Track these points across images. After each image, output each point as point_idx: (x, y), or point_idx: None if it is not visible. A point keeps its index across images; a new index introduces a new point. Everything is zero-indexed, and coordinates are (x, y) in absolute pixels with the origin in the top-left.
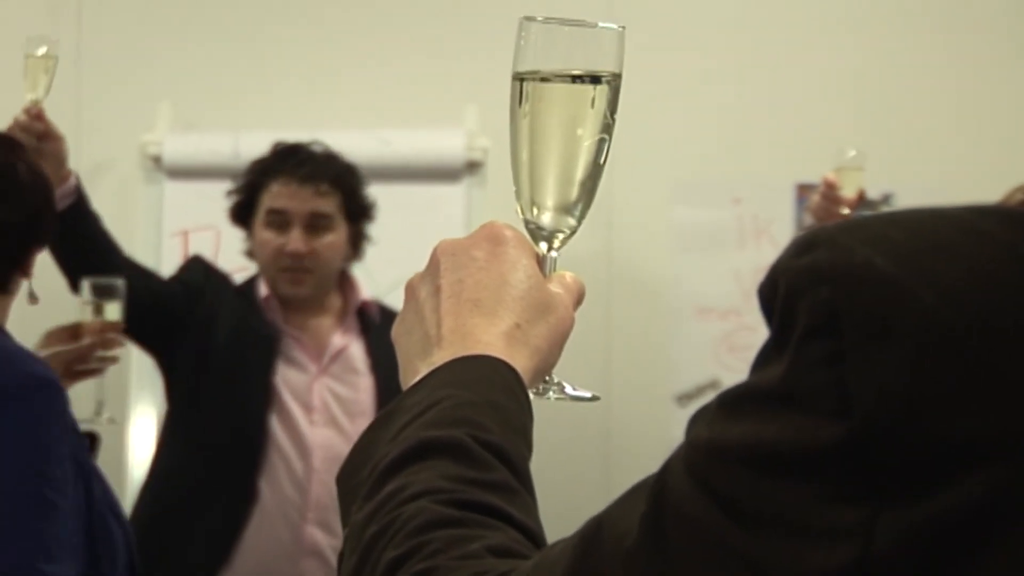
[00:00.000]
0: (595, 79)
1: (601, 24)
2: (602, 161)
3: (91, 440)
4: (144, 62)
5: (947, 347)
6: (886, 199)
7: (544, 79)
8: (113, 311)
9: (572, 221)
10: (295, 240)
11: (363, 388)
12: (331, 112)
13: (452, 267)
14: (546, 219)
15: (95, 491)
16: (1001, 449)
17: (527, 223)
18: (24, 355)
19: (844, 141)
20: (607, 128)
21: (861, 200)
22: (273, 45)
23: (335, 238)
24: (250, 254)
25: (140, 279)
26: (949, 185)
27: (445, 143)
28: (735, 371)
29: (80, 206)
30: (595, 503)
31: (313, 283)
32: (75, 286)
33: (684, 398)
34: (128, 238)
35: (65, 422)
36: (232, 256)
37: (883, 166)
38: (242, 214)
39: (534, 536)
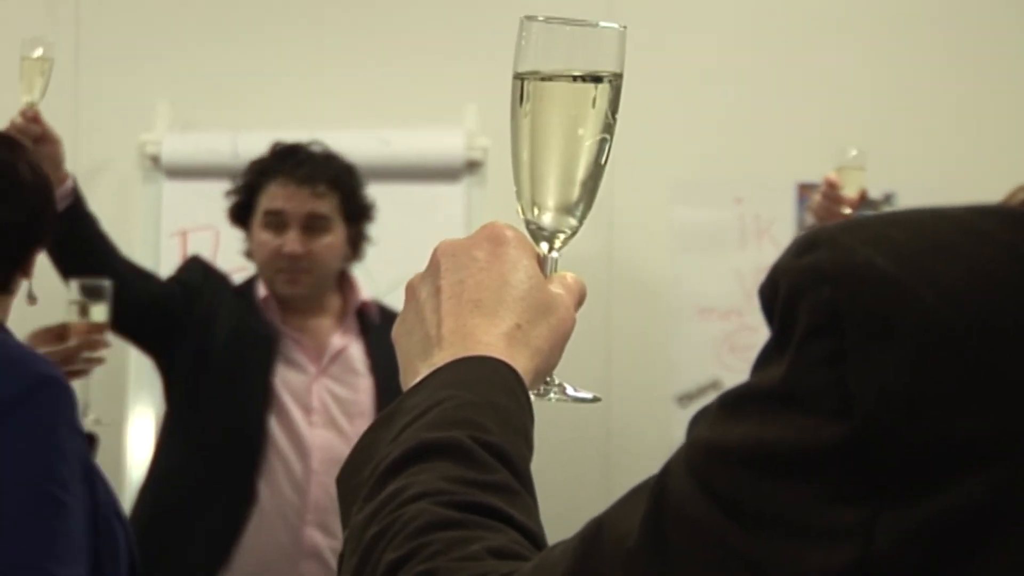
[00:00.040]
0: (596, 79)
1: (602, 23)
2: (603, 161)
3: (89, 441)
4: (142, 61)
5: (948, 347)
6: (888, 199)
7: (545, 79)
8: (99, 312)
9: (573, 221)
10: (292, 241)
11: (362, 389)
12: (330, 112)
13: (453, 268)
14: (547, 219)
15: (99, 492)
16: (1001, 449)
17: (528, 223)
18: (30, 355)
19: (845, 140)
20: (608, 128)
21: (863, 200)
22: (272, 44)
23: (333, 239)
24: (249, 254)
25: (138, 280)
26: (951, 185)
27: (445, 143)
28: (736, 371)
29: (77, 208)
30: (595, 504)
31: (310, 284)
32: None
33: (685, 398)
34: (126, 238)
35: (72, 422)
36: (231, 256)
37: (885, 166)
38: (241, 214)
39: (535, 537)
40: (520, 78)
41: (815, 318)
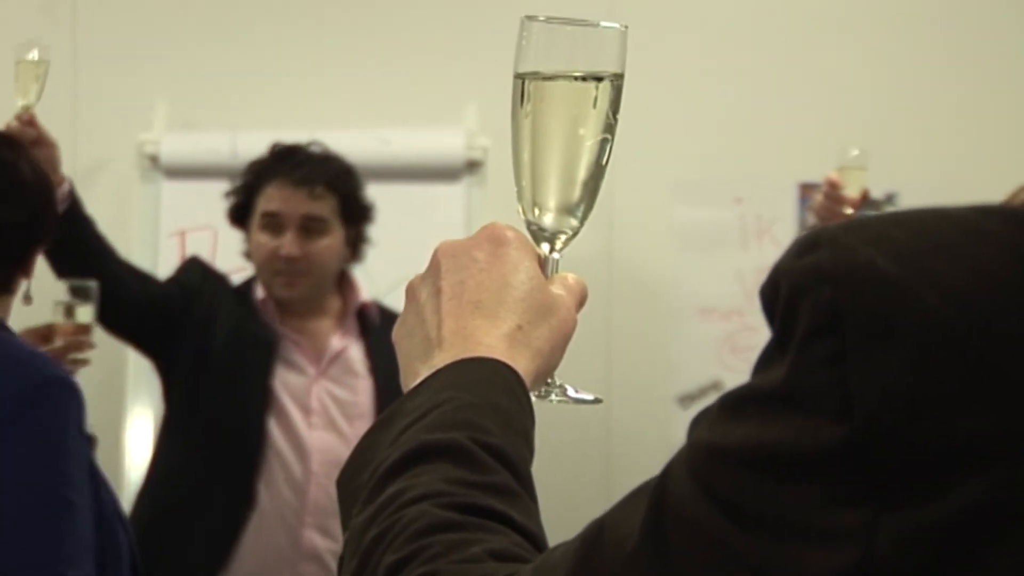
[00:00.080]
0: (597, 79)
1: (603, 23)
2: (604, 161)
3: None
4: (141, 61)
5: (949, 347)
6: (890, 199)
7: (546, 79)
8: (85, 313)
9: (574, 222)
10: (288, 244)
11: (362, 390)
12: (330, 111)
13: (453, 268)
14: (548, 220)
15: (102, 492)
16: (1003, 449)
17: (529, 224)
18: (39, 356)
19: (847, 140)
20: (609, 128)
21: (864, 200)
22: (271, 44)
23: (330, 241)
24: (248, 255)
25: (136, 282)
26: (953, 185)
27: (445, 142)
28: (737, 372)
29: (74, 211)
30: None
31: (307, 287)
32: None
33: (686, 399)
34: (125, 238)
35: (80, 422)
36: (230, 257)
37: (886, 165)
38: (239, 215)
39: (535, 539)
40: (521, 78)
41: (816, 318)
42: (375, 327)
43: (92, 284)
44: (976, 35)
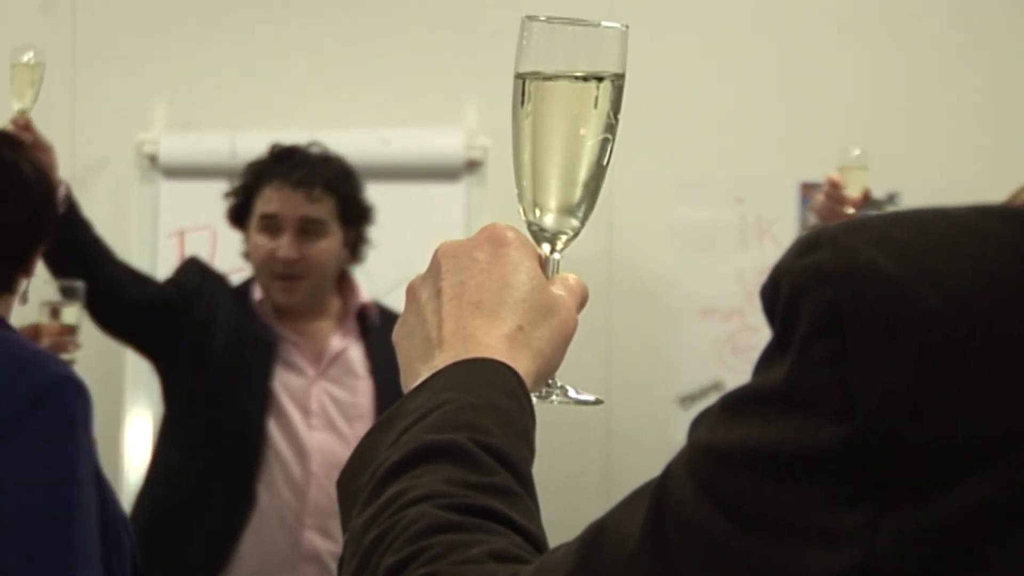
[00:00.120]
0: (598, 79)
1: (604, 23)
2: (605, 162)
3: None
4: (140, 60)
5: (950, 347)
6: (891, 198)
7: (547, 79)
8: (71, 314)
9: (575, 222)
10: (285, 246)
11: (362, 392)
12: (329, 111)
13: (453, 269)
14: (549, 220)
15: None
16: (1005, 450)
17: (529, 225)
18: (47, 357)
19: (848, 140)
20: (610, 128)
21: (866, 200)
22: (271, 43)
23: (328, 244)
24: (247, 255)
25: (134, 284)
26: (954, 184)
27: (444, 142)
28: (738, 372)
29: (71, 214)
30: (596, 506)
31: (305, 291)
32: None
33: (686, 400)
34: (124, 238)
35: (87, 423)
36: (229, 257)
37: (888, 165)
38: (239, 216)
39: (536, 540)
40: (522, 78)
41: (817, 318)
42: (375, 328)
43: (79, 284)
44: (977, 35)
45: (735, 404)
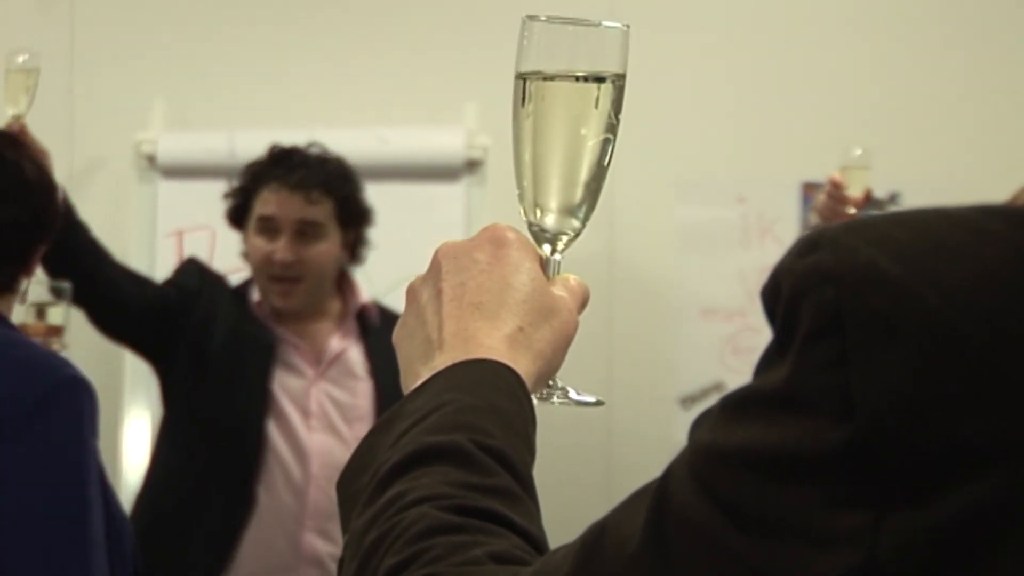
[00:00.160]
0: (599, 79)
1: (605, 23)
2: (606, 162)
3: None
4: (138, 59)
5: (951, 348)
6: (893, 198)
7: (548, 79)
8: (56, 315)
9: (576, 223)
10: (282, 249)
11: (362, 393)
12: (328, 110)
13: (454, 270)
14: (549, 221)
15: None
16: (1006, 451)
17: (530, 225)
18: (56, 358)
19: (850, 139)
20: (611, 128)
21: (868, 199)
22: (269, 42)
23: (326, 246)
24: (246, 255)
25: (133, 286)
26: (957, 184)
27: (444, 141)
28: (740, 373)
29: (68, 218)
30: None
31: (303, 294)
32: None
33: (688, 401)
34: (122, 238)
35: (95, 423)
36: (228, 257)
37: (890, 165)
38: (237, 217)
39: (536, 542)
40: (522, 78)
41: (818, 319)
42: (375, 328)
43: (66, 285)
44: (980, 34)
45: (736, 405)
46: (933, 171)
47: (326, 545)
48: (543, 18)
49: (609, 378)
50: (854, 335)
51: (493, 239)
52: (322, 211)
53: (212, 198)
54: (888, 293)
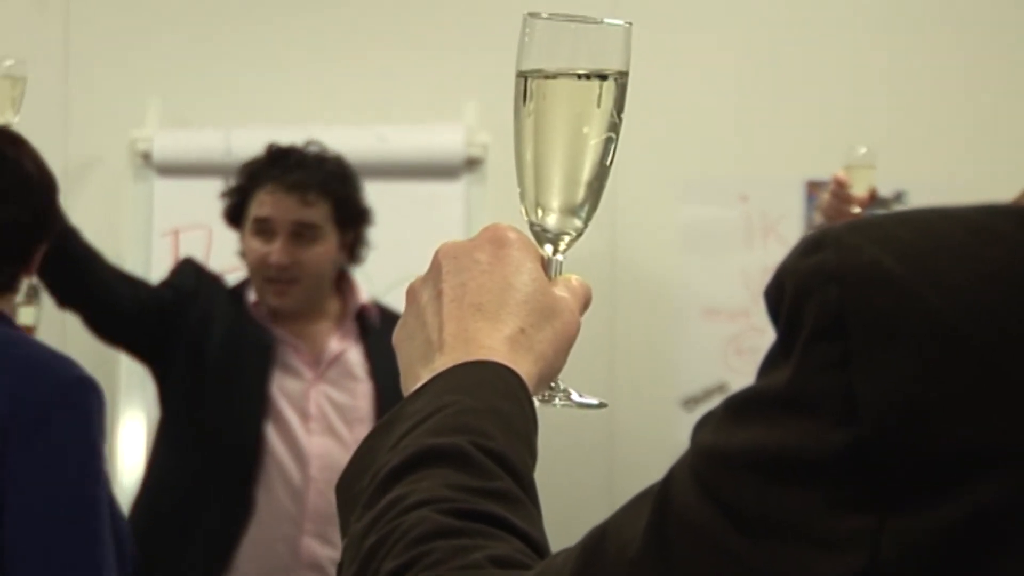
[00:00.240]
0: (601, 77)
1: (607, 20)
2: (608, 161)
3: None
4: (133, 56)
5: (953, 349)
6: (898, 197)
7: (549, 77)
8: (28, 315)
9: (578, 223)
10: (278, 252)
11: (361, 394)
12: (326, 108)
13: (454, 270)
14: (551, 221)
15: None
16: (1010, 454)
17: (532, 225)
18: (63, 358)
19: (855, 138)
20: (614, 127)
21: (872, 199)
22: (266, 39)
23: (323, 248)
24: (243, 255)
25: (128, 289)
26: (962, 183)
27: (444, 139)
28: (743, 374)
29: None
30: (598, 509)
31: (298, 295)
32: (61, 303)
33: (690, 402)
34: (117, 237)
35: (103, 424)
36: (224, 256)
37: (895, 164)
38: (234, 216)
39: (537, 546)
40: (523, 76)
41: (821, 320)
42: (375, 329)
43: (37, 285)
44: (985, 33)
45: (739, 407)
46: (938, 170)
47: (325, 549)
48: (544, 15)
49: (611, 379)
50: (857, 336)
51: (494, 239)
52: (319, 212)
53: (208, 197)
54: (891, 293)
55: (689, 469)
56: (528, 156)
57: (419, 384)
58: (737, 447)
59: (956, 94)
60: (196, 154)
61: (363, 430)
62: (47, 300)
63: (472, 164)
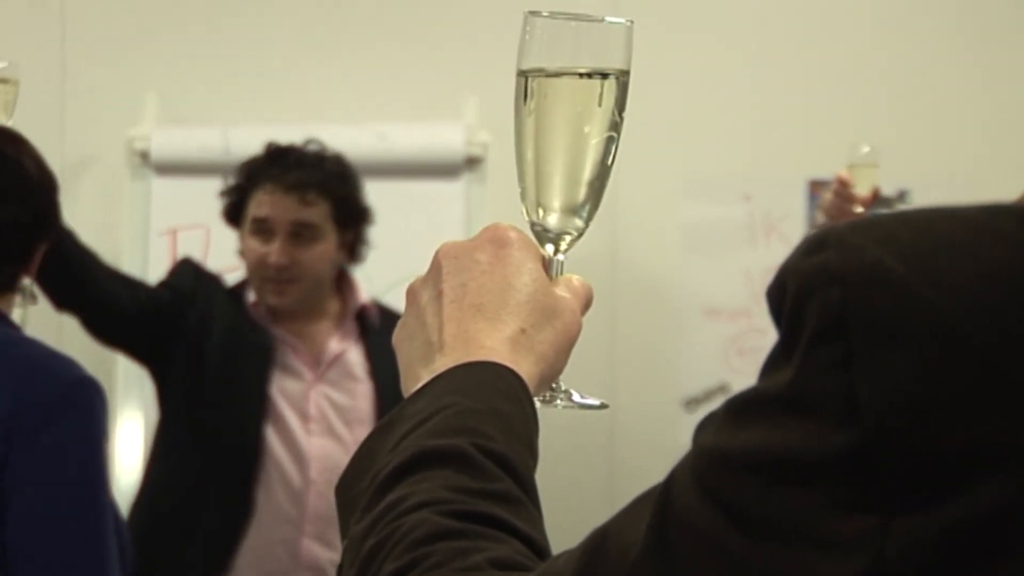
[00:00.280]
0: (603, 75)
1: (609, 18)
2: (610, 161)
3: None
4: (130, 53)
5: (956, 350)
6: (902, 196)
7: (550, 75)
8: (13, 316)
9: (579, 223)
10: (276, 252)
11: (361, 395)
12: (325, 106)
13: (454, 271)
14: (552, 221)
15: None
16: (1013, 454)
17: (533, 225)
18: (65, 359)
19: (858, 137)
20: (615, 126)
21: (876, 198)
22: (264, 36)
23: (323, 248)
24: (243, 254)
25: (125, 290)
26: (966, 182)
27: (444, 138)
28: (745, 375)
29: None
30: (599, 511)
31: (297, 294)
32: (59, 305)
33: (692, 403)
34: (114, 237)
35: (106, 425)
36: (222, 255)
37: (898, 163)
38: (233, 215)
39: (538, 548)
40: (524, 75)
41: (823, 320)
42: (375, 329)
43: (27, 283)
44: (989, 32)
45: (740, 408)
46: (942, 169)
47: (325, 551)
48: (545, 14)
49: (612, 379)
50: (859, 336)
51: (495, 239)
52: (318, 212)
53: (207, 196)
54: (893, 293)
55: (691, 471)
56: (529, 155)
57: (419, 385)
58: (739, 448)
59: (959, 93)
60: (194, 153)
61: (363, 431)
62: (42, 301)
63: (472, 163)
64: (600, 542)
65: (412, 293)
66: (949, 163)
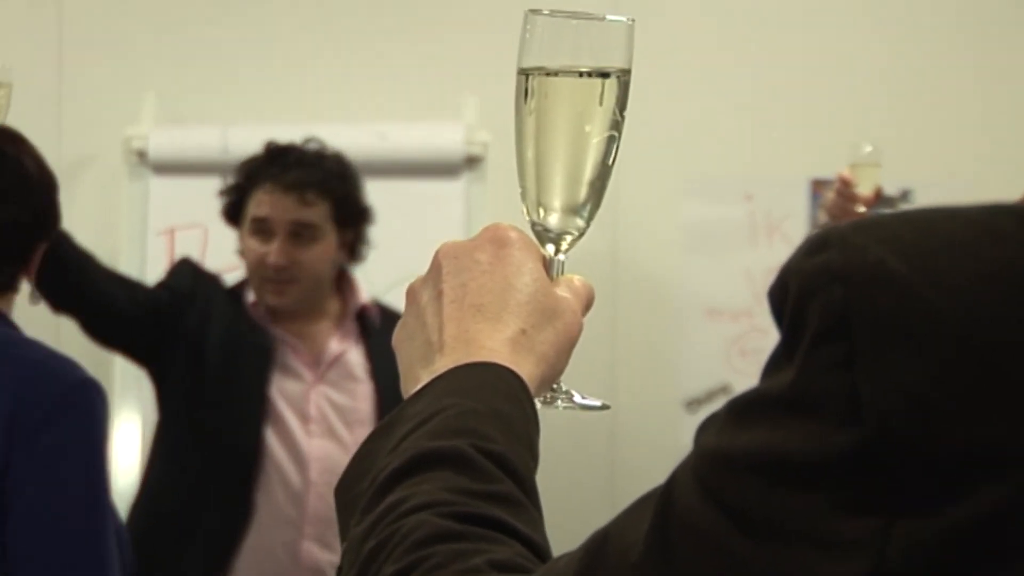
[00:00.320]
0: (603, 74)
1: (609, 17)
2: (611, 160)
3: None
4: (128, 52)
5: (957, 350)
6: (904, 196)
7: (550, 74)
8: None
9: (580, 222)
10: (276, 252)
11: (362, 396)
12: (324, 105)
13: (455, 271)
14: (553, 220)
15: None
16: (1013, 456)
17: (533, 225)
18: (66, 360)
19: (860, 136)
20: (616, 126)
21: (878, 197)
22: (263, 35)
23: (322, 248)
24: (242, 253)
25: (124, 292)
26: (968, 182)
27: (443, 137)
28: (746, 375)
29: None
30: (600, 512)
31: (296, 294)
32: (57, 308)
33: (693, 404)
34: (112, 237)
35: (107, 426)
36: (221, 255)
37: (900, 162)
38: (233, 214)
39: (539, 550)
40: (525, 74)
41: (825, 320)
42: (375, 329)
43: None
44: (991, 31)
45: (742, 409)
46: (944, 169)
47: (325, 553)
48: (546, 12)
49: (612, 380)
50: (861, 336)
51: (495, 239)
52: (317, 212)
53: (205, 195)
54: (896, 293)
55: (692, 472)
56: (529, 155)
57: (419, 386)
58: (740, 449)
59: (961, 92)
60: (192, 152)
61: (364, 432)
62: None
63: (472, 162)
64: (601, 543)
65: (412, 293)
66: (951, 162)
